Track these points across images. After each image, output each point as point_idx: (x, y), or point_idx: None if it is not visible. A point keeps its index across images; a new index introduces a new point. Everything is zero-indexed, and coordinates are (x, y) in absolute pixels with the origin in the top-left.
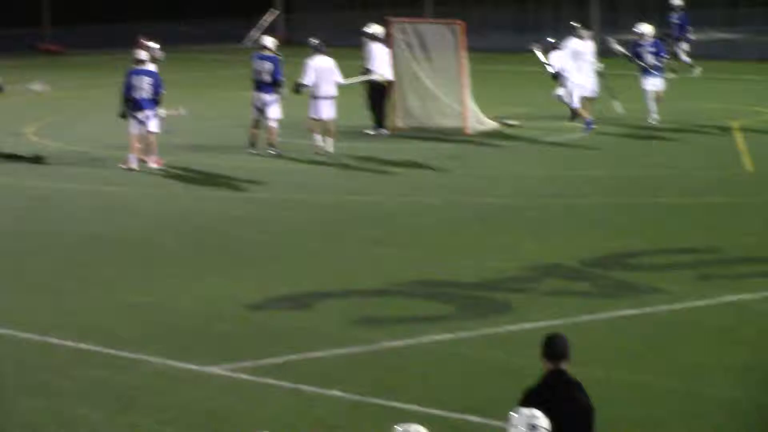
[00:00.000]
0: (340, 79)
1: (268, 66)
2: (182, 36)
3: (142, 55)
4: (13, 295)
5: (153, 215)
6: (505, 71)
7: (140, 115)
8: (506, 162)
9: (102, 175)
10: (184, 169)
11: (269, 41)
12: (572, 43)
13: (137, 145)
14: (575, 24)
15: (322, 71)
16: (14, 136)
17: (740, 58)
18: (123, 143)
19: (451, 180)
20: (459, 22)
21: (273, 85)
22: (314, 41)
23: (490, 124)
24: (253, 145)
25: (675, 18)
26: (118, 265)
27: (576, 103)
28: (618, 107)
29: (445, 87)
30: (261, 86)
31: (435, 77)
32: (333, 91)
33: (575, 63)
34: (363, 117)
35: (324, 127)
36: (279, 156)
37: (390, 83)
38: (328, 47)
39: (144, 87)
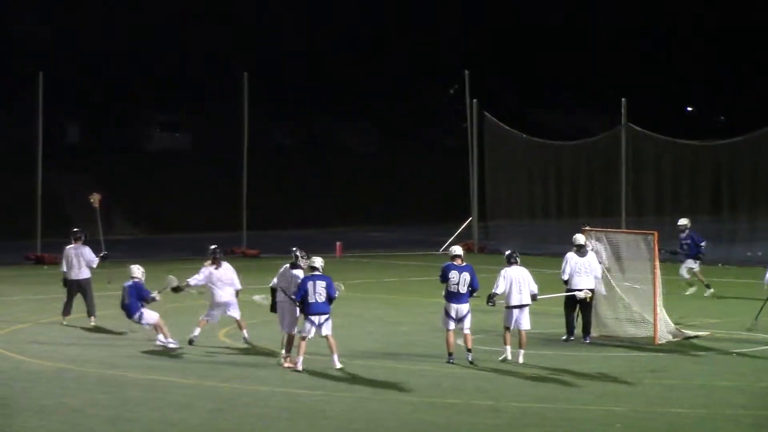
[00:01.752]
0: (535, 290)
1: (465, 276)
2: (376, 241)
3: (317, 262)
4: None
5: (344, 418)
6: (696, 281)
7: (315, 318)
8: (695, 372)
9: (291, 377)
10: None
11: (457, 249)
12: None
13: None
14: None
15: (515, 281)
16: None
17: None
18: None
19: (639, 389)
20: (653, 231)
21: (470, 295)
22: (507, 252)
23: (681, 334)
24: (450, 354)
25: (683, 237)
26: None
27: None
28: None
29: (638, 296)
30: (457, 297)
31: (627, 286)
32: (526, 300)
33: None
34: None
35: (517, 337)
36: (473, 364)
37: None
38: (522, 256)
39: (319, 291)
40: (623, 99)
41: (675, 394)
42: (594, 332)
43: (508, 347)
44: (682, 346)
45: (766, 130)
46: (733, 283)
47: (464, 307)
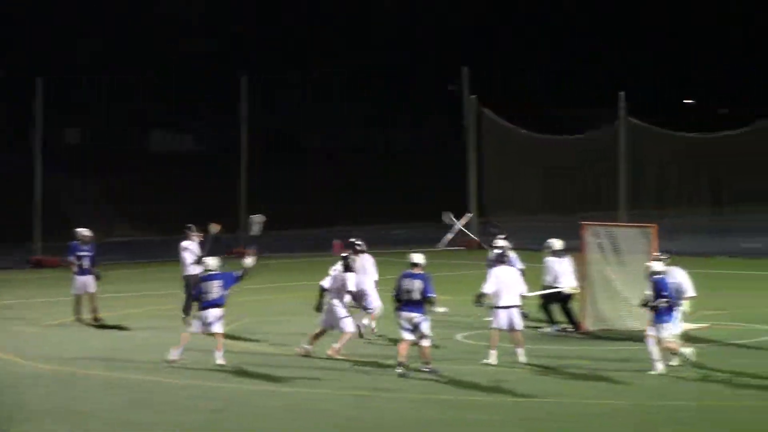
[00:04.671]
0: (524, 290)
1: (417, 284)
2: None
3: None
4: None
5: (344, 416)
6: (697, 274)
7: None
8: (695, 365)
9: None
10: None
11: (418, 258)
12: None
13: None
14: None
15: (504, 281)
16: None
17: None
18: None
19: (641, 381)
20: (652, 225)
21: (423, 303)
22: (496, 251)
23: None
24: (401, 364)
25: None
26: None
27: None
28: None
29: (637, 290)
30: (411, 305)
31: (627, 280)
32: (515, 300)
33: None
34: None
35: (512, 338)
36: (434, 373)
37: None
38: (521, 251)
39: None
40: (621, 92)
41: (675, 387)
42: (593, 326)
43: (494, 351)
44: (682, 339)
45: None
46: (732, 276)
47: (418, 316)
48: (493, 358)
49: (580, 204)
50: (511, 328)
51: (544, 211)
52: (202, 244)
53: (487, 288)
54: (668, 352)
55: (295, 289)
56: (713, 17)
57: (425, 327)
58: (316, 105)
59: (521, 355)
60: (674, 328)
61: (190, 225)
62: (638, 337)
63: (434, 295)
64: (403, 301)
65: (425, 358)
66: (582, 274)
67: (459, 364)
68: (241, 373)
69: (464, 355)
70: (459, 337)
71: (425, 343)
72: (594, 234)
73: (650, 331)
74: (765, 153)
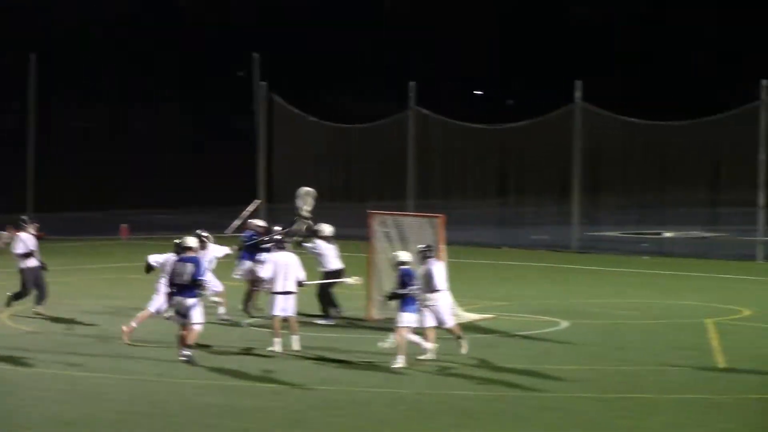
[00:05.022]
0: (302, 276)
1: (189, 268)
2: (163, 224)
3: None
4: None
5: (125, 401)
6: (484, 265)
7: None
8: (480, 356)
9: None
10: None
11: (192, 241)
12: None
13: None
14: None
15: (281, 267)
16: None
17: (719, 257)
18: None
19: (421, 370)
20: (439, 215)
21: (194, 288)
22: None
23: (466, 317)
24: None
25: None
26: None
27: None
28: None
29: None
30: (182, 289)
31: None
32: (292, 287)
33: None
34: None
35: (288, 325)
36: (190, 361)
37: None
38: (305, 239)
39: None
40: (411, 82)
41: (460, 377)
42: (379, 315)
43: (278, 339)
44: (467, 329)
45: (555, 114)
46: (518, 266)
47: (190, 301)
48: (277, 345)
49: (370, 192)
50: (286, 314)
51: (334, 198)
52: None
53: (264, 273)
54: (420, 344)
55: (81, 272)
56: (496, 16)
57: (196, 312)
58: None
59: (296, 343)
60: (414, 319)
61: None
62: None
63: (204, 279)
64: (175, 285)
65: (188, 342)
66: (369, 262)
67: (244, 352)
68: (20, 355)
69: (250, 343)
70: (245, 323)
71: (196, 327)
72: (381, 223)
73: (399, 322)
74: (550, 144)
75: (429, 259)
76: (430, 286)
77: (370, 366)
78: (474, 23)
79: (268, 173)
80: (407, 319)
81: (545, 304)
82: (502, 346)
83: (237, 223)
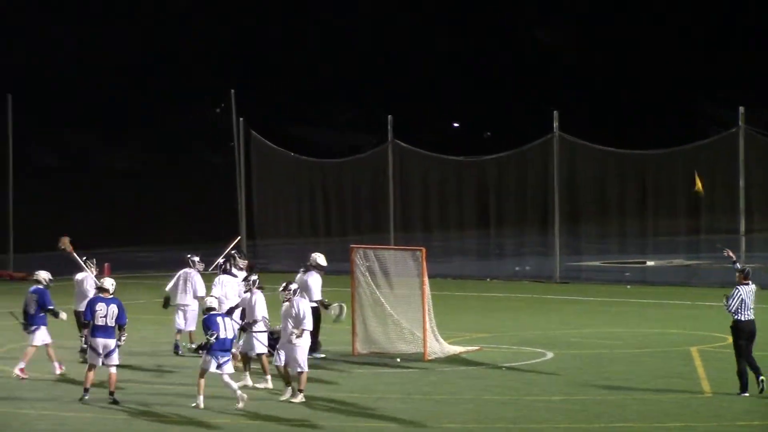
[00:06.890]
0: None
1: (112, 309)
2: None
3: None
4: None
5: None
6: (467, 297)
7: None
8: (464, 387)
9: None
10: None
11: (108, 283)
12: None
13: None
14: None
15: (245, 303)
16: None
17: (702, 285)
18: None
19: (411, 405)
20: (421, 248)
21: (114, 330)
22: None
23: (451, 350)
24: (86, 390)
25: None
26: None
27: None
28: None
29: (406, 313)
30: (104, 330)
31: (396, 303)
32: (262, 326)
33: None
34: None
35: (259, 363)
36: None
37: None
38: (290, 273)
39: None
40: (390, 116)
41: (446, 409)
42: (364, 349)
43: (247, 374)
44: (452, 361)
45: (531, 145)
46: (502, 298)
47: (111, 342)
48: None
49: (350, 226)
50: (252, 352)
51: (315, 234)
52: None
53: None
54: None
55: None
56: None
57: (115, 355)
58: None
59: (269, 383)
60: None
61: None
62: (408, 361)
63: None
64: (96, 327)
65: (113, 387)
66: (352, 296)
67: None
68: None
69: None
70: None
71: (113, 370)
72: (363, 257)
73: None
74: (529, 175)
75: (295, 298)
76: (297, 323)
77: (357, 400)
78: (448, 58)
79: (249, 209)
80: (212, 363)
81: (530, 335)
82: (489, 378)
83: (220, 261)
